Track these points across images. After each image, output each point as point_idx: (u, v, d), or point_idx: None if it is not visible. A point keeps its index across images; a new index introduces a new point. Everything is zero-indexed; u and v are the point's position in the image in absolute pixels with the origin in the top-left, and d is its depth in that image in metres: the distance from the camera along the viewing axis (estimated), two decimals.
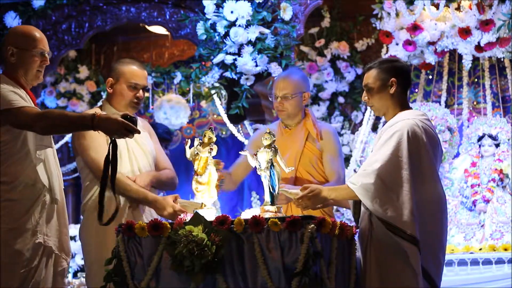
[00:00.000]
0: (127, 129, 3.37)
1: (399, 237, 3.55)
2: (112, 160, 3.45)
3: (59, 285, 3.67)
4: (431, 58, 6.15)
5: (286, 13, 5.47)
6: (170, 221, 3.61)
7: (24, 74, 3.67)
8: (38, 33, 3.70)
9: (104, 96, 6.88)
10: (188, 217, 3.48)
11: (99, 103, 6.90)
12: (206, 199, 3.64)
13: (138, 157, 4.11)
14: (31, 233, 3.53)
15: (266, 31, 5.41)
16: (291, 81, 4.28)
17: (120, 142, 3.92)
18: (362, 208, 3.73)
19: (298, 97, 4.27)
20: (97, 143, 4.01)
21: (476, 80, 6.77)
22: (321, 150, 4.29)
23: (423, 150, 3.68)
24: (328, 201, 3.83)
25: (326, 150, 4.27)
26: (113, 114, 3.45)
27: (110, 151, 3.44)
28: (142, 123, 4.27)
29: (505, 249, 5.79)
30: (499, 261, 5.75)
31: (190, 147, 3.68)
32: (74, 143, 4.15)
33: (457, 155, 6.55)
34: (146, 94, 6.84)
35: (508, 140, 6.30)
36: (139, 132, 3.44)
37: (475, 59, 6.40)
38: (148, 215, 4.06)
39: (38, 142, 3.64)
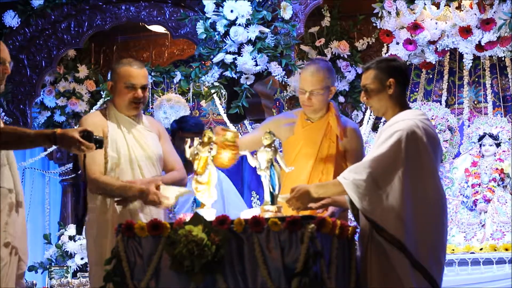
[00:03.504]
0: (82, 145, 3.47)
1: (382, 238, 3.54)
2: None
3: (20, 287, 3.68)
4: (431, 57, 6.14)
5: (286, 12, 5.45)
6: (170, 221, 3.60)
7: None
8: None
9: (103, 95, 6.87)
10: (187, 218, 3.47)
11: (99, 103, 6.90)
12: (205, 199, 3.64)
13: (140, 161, 4.08)
14: (2, 232, 3.53)
15: (266, 30, 5.39)
16: (320, 76, 4.18)
17: (121, 148, 3.98)
18: None
19: (326, 93, 4.20)
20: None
21: (476, 79, 6.75)
22: (344, 148, 4.21)
23: (423, 150, 3.67)
24: (322, 199, 3.81)
25: (350, 150, 4.18)
26: (71, 130, 3.53)
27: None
28: (149, 123, 4.25)
29: (506, 249, 5.78)
30: (500, 261, 5.73)
31: (190, 147, 3.68)
32: None
33: (458, 154, 6.54)
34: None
35: (509, 139, 6.28)
36: (92, 148, 3.52)
37: (476, 58, 6.39)
38: (149, 215, 4.04)
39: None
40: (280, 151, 3.89)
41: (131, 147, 4.09)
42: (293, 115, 4.34)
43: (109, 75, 4.25)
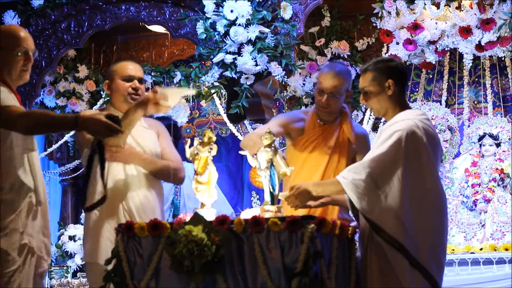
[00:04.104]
0: (109, 128, 3.41)
1: (381, 238, 3.54)
2: (100, 158, 3.54)
3: (38, 286, 3.68)
4: (431, 57, 6.13)
5: (286, 12, 5.44)
6: (169, 221, 3.60)
7: (8, 73, 3.64)
8: (22, 32, 3.67)
9: (103, 95, 6.87)
10: (187, 218, 3.47)
11: (99, 103, 6.91)
12: (206, 199, 3.63)
13: None
14: (18, 233, 3.53)
15: (266, 30, 5.39)
16: (341, 79, 4.18)
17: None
18: None
19: (343, 96, 4.20)
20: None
21: (476, 79, 6.76)
22: (354, 153, 4.22)
23: (423, 150, 3.66)
24: (321, 197, 3.81)
25: (360, 155, 4.15)
26: (96, 114, 3.46)
27: (95, 150, 3.54)
28: (147, 123, 4.25)
29: (506, 249, 5.78)
30: (500, 261, 5.73)
31: (190, 147, 3.68)
32: (77, 137, 4.17)
33: (458, 154, 6.54)
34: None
35: (509, 139, 6.29)
36: (122, 132, 3.49)
37: (476, 58, 6.39)
38: (140, 209, 4.03)
39: (23, 145, 3.62)
40: (282, 150, 3.90)
41: (126, 143, 4.08)
42: (303, 115, 4.34)
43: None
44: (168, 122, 5.35)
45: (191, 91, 3.89)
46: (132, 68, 4.15)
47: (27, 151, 3.65)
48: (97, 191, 3.86)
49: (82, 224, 6.45)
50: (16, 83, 3.69)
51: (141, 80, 4.15)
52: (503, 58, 6.44)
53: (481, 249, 5.85)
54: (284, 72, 5.42)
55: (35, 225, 3.62)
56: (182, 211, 5.99)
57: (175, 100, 3.94)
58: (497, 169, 6.22)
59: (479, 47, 5.95)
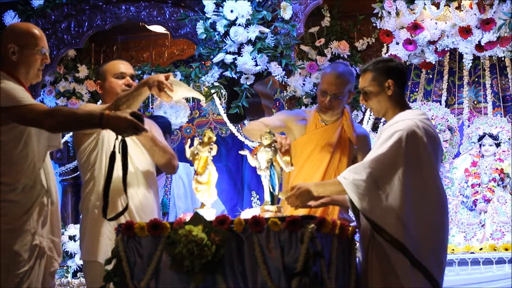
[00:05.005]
0: (135, 127, 3.39)
1: (382, 238, 3.54)
2: (122, 158, 3.49)
3: (49, 286, 3.68)
4: (431, 58, 6.14)
5: (286, 12, 5.45)
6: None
7: (25, 72, 3.66)
8: (38, 31, 3.70)
9: None
10: (187, 218, 3.47)
11: (99, 103, 6.90)
12: (206, 199, 3.63)
13: (133, 156, 4.07)
14: (29, 235, 3.53)
15: (266, 30, 5.39)
16: (345, 80, 4.20)
17: (111, 139, 3.94)
18: None
19: (346, 97, 4.22)
20: None
21: (476, 79, 6.75)
22: (354, 153, 4.24)
23: (423, 150, 3.66)
24: (322, 198, 3.81)
25: (361, 156, 4.17)
26: (122, 111, 3.45)
27: (119, 149, 3.52)
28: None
29: (506, 249, 5.78)
30: (500, 261, 5.73)
31: (190, 147, 3.68)
32: (73, 137, 4.18)
33: (458, 154, 6.54)
34: None
35: (509, 139, 6.28)
36: (146, 131, 3.49)
37: (476, 59, 6.39)
38: (139, 206, 4.03)
39: (48, 143, 3.64)
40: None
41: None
42: (305, 114, 4.35)
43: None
44: (163, 121, 5.38)
45: (198, 95, 3.88)
46: (123, 65, 4.17)
47: (52, 148, 3.68)
48: (99, 192, 3.88)
49: None
50: (30, 81, 3.71)
51: (133, 77, 4.18)
52: (503, 58, 6.44)
53: (481, 249, 5.85)
54: (284, 72, 5.42)
55: (46, 226, 3.63)
56: (172, 210, 6.01)
57: (179, 95, 3.95)
58: (497, 169, 6.22)
59: (479, 47, 5.95)
